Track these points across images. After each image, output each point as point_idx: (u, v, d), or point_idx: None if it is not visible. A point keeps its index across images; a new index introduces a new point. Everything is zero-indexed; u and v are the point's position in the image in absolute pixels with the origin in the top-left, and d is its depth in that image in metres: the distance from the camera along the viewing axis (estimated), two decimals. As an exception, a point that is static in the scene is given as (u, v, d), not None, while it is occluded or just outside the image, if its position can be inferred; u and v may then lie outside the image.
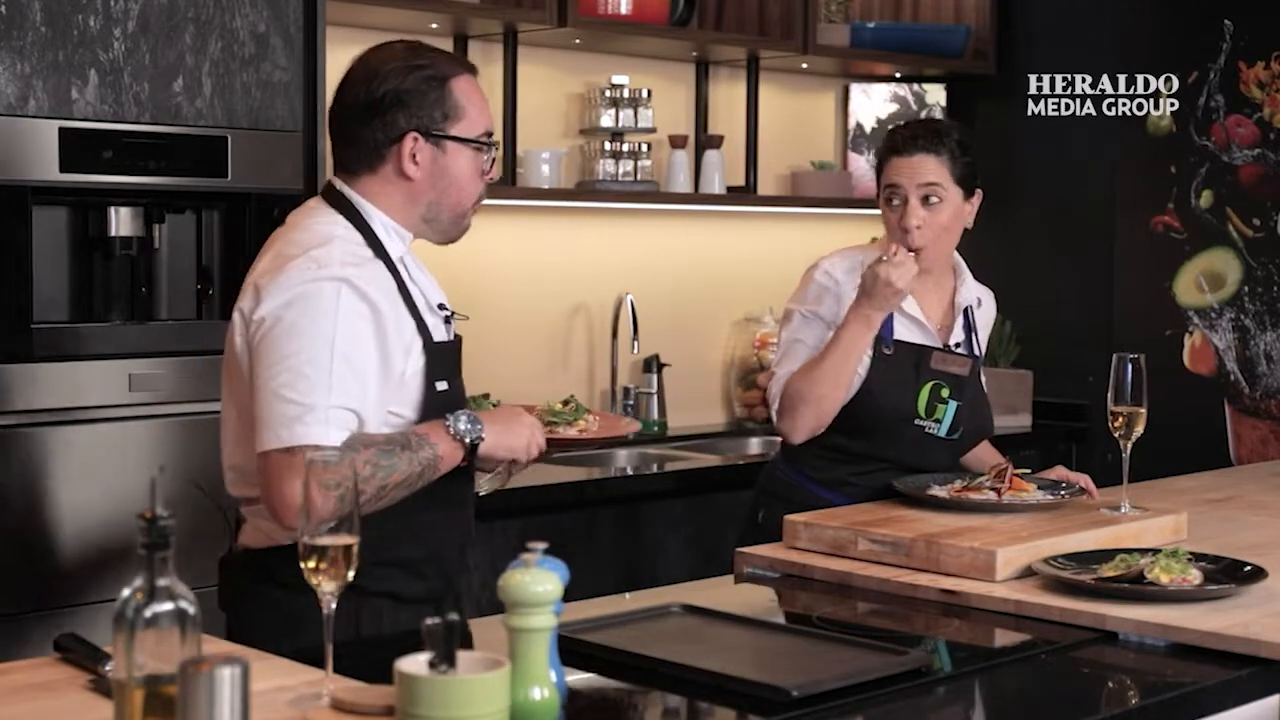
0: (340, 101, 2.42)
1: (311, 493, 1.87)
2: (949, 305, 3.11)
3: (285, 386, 2.20)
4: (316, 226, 2.35)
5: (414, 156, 2.37)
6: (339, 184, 2.41)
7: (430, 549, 2.39)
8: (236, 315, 2.32)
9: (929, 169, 2.98)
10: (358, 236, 2.35)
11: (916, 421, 2.99)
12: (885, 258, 2.86)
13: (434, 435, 2.27)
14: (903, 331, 3.01)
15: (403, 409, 2.31)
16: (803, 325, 3.03)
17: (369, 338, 2.26)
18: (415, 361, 2.32)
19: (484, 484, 2.49)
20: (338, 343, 2.22)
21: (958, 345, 3.07)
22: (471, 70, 2.45)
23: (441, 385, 2.36)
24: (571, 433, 2.65)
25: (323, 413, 2.19)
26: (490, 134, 2.44)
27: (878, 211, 5.38)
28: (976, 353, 3.10)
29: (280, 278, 2.26)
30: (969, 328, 3.11)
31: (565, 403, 2.74)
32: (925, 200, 2.98)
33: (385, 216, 2.39)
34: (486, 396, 2.68)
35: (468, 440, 2.29)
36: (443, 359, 2.38)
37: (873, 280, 2.85)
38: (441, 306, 2.42)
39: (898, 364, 2.98)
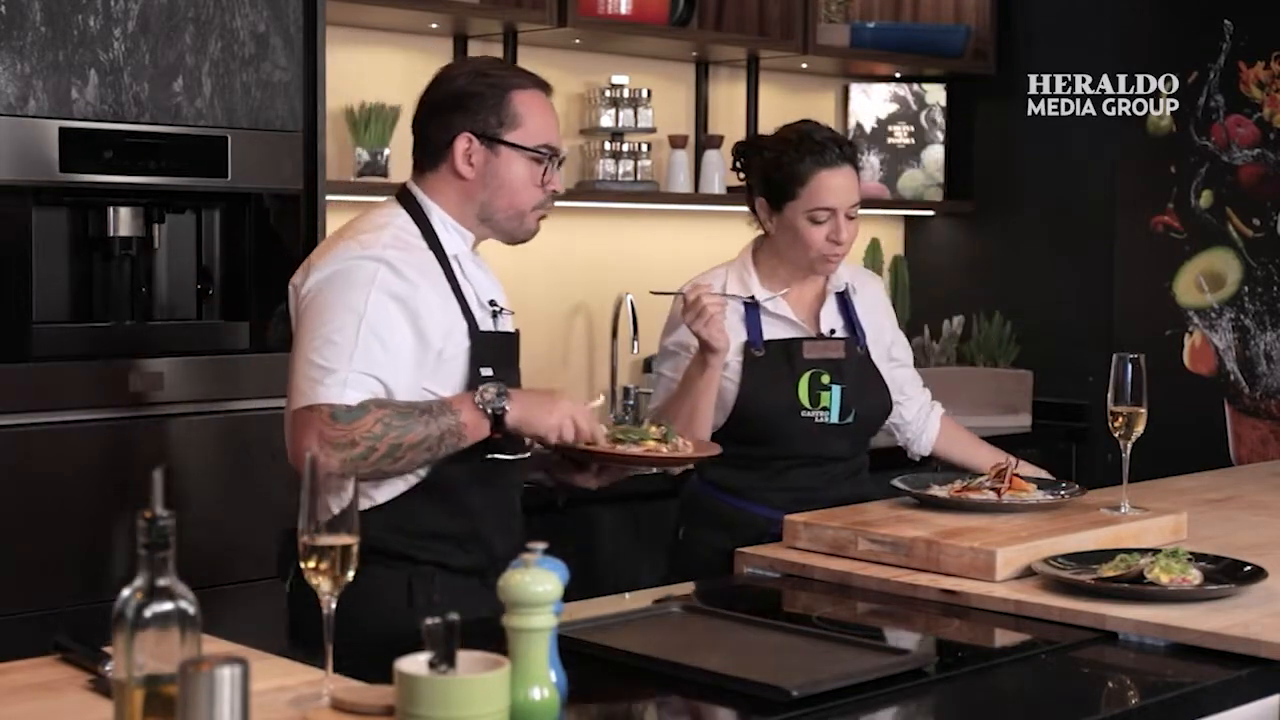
0: (417, 104, 2.59)
1: (317, 449, 2.04)
2: (818, 294, 3.11)
3: (314, 352, 2.36)
4: (376, 217, 2.52)
5: (469, 157, 2.51)
6: (409, 182, 2.58)
7: (471, 526, 2.50)
8: (290, 289, 2.49)
9: (854, 186, 3.01)
10: (414, 229, 2.51)
11: (804, 413, 2.98)
12: (689, 309, 2.80)
13: (458, 403, 2.40)
14: (771, 330, 3.03)
15: (441, 389, 2.44)
16: (665, 359, 3.07)
17: (401, 315, 2.39)
18: (457, 344, 2.46)
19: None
20: (368, 315, 2.37)
21: (833, 331, 3.07)
22: (542, 87, 2.58)
23: (487, 371, 2.48)
24: (635, 450, 2.59)
25: (343, 375, 2.34)
26: (551, 148, 2.54)
27: (879, 211, 5.42)
28: (860, 334, 3.10)
29: (327, 255, 2.44)
30: (847, 312, 3.11)
31: (657, 424, 2.69)
32: (849, 215, 3.01)
33: (444, 213, 2.53)
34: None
35: (489, 410, 2.39)
36: (489, 346, 2.50)
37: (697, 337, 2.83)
38: (492, 303, 2.56)
39: (771, 362, 2.99)
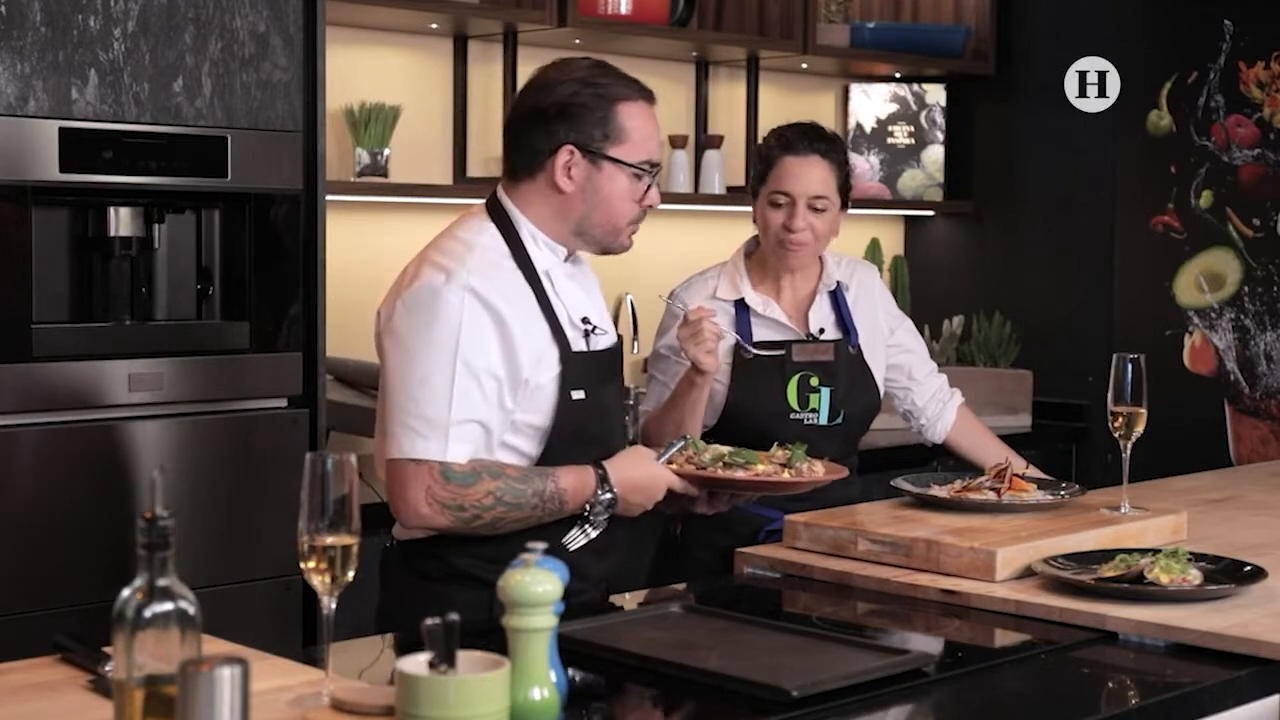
0: (514, 107, 2.51)
1: (425, 506, 2.14)
2: (809, 293, 3.13)
3: (409, 398, 2.32)
4: (464, 234, 2.44)
5: (569, 170, 2.42)
6: (500, 191, 2.49)
7: (554, 549, 2.44)
8: (376, 318, 2.44)
9: (819, 176, 3.02)
10: (503, 246, 2.43)
11: (793, 415, 3.01)
12: (686, 326, 2.78)
13: (565, 480, 2.37)
14: (762, 332, 3.05)
15: (532, 416, 2.40)
16: (658, 362, 3.10)
17: (494, 345, 2.34)
18: (548, 370, 2.40)
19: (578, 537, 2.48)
20: (460, 353, 2.31)
21: (822, 331, 3.09)
22: (647, 98, 2.49)
23: (578, 394, 2.42)
24: (740, 475, 2.55)
25: (443, 428, 2.30)
26: (652, 163, 2.47)
27: (879, 211, 5.42)
28: (851, 333, 3.10)
29: (413, 286, 2.36)
30: (839, 309, 3.12)
31: (784, 446, 2.63)
32: (812, 207, 3.01)
33: (534, 227, 2.45)
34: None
35: (597, 512, 2.40)
36: (580, 369, 2.43)
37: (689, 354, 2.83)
38: (585, 320, 2.49)
39: (761, 364, 3.00)
